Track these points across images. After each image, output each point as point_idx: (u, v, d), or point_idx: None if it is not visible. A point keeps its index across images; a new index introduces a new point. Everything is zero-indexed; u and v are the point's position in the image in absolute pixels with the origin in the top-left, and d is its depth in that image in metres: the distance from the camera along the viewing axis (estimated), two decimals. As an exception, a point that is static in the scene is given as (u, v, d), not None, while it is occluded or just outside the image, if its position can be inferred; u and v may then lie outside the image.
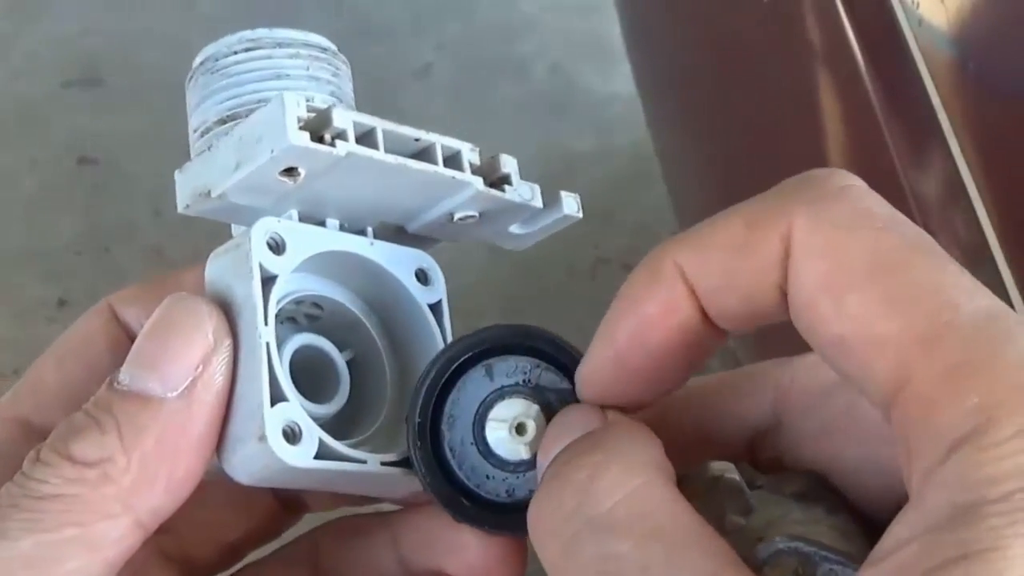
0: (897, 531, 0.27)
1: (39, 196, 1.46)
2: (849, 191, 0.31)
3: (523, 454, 0.35)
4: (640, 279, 0.32)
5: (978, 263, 0.50)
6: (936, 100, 0.52)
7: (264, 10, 1.54)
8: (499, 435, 0.35)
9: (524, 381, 0.36)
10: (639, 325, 0.32)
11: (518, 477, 0.35)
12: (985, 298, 0.29)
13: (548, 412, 0.35)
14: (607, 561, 0.29)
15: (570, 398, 0.35)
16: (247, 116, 0.36)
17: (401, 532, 0.38)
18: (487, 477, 0.35)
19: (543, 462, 0.33)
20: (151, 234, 1.41)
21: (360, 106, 0.39)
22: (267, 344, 0.34)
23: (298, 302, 0.37)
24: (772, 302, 0.31)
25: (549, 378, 0.36)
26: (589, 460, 0.31)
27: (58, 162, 1.48)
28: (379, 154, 0.35)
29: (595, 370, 0.33)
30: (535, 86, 1.54)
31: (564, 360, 0.36)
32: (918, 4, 0.53)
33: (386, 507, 0.39)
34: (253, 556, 0.40)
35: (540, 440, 0.34)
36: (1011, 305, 0.49)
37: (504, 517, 0.35)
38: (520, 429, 0.35)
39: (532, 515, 0.31)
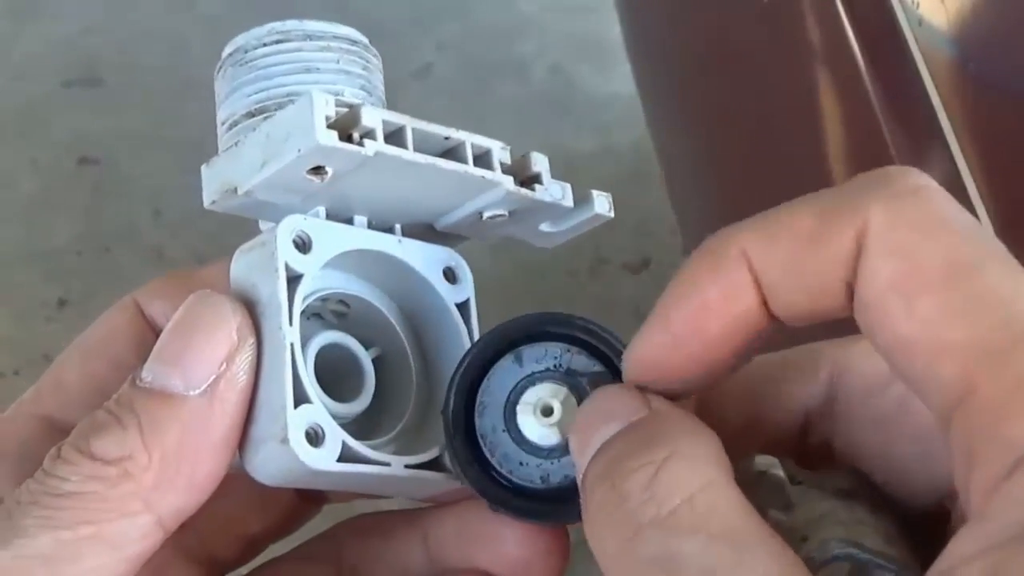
0: (961, 547, 0.26)
1: (39, 196, 1.46)
2: (926, 191, 0.30)
3: (555, 438, 0.35)
4: (703, 263, 0.31)
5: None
6: (936, 100, 0.52)
7: (265, 10, 1.53)
8: (530, 420, 0.35)
9: (555, 366, 0.35)
10: (698, 310, 0.31)
11: (552, 463, 0.35)
12: None
13: (580, 396, 0.35)
14: (671, 562, 0.28)
15: (603, 380, 0.35)
16: (276, 110, 0.36)
17: (431, 529, 0.38)
18: (520, 464, 0.35)
19: (580, 447, 0.32)
20: (151, 234, 1.41)
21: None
22: (291, 345, 0.34)
23: (324, 299, 0.37)
24: (836, 297, 0.30)
25: (581, 362, 0.35)
26: (650, 456, 0.30)
27: (58, 162, 1.48)
28: (408, 153, 0.34)
29: (647, 353, 0.32)
30: (535, 86, 1.54)
31: (597, 344, 0.35)
32: (918, 4, 0.53)
33: (409, 501, 0.39)
34: (273, 552, 0.40)
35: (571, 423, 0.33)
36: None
37: (542, 505, 0.35)
38: (549, 412, 0.35)
39: (589, 511, 0.30)
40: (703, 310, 0.31)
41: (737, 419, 0.35)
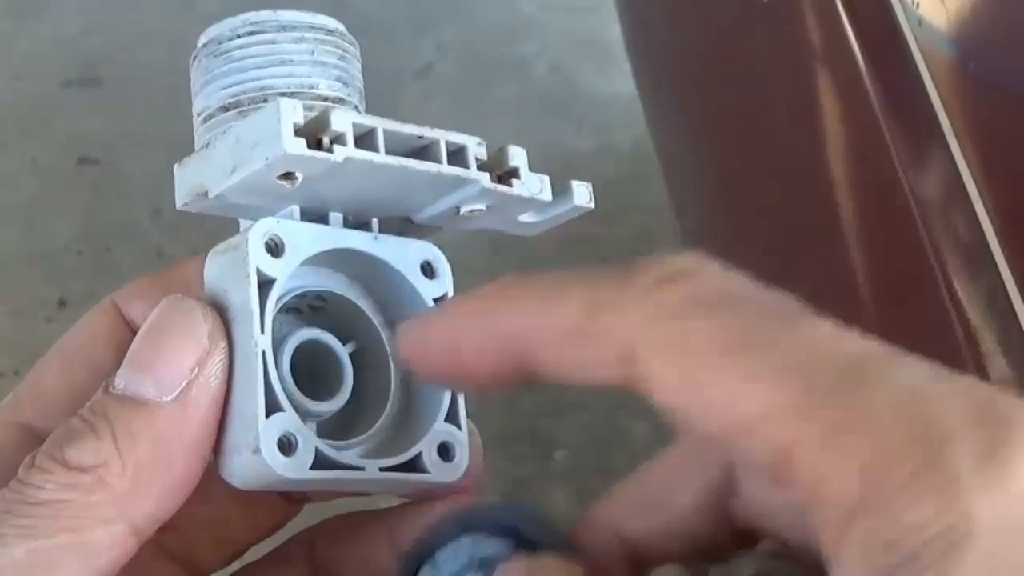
0: None
1: (39, 196, 1.46)
2: (690, 275, 0.29)
3: None
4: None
5: (978, 263, 0.50)
6: (936, 100, 0.52)
7: (262, 9, 1.53)
8: None
9: (468, 561, 0.34)
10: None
11: None
12: (852, 343, 0.27)
13: None
14: None
15: (511, 556, 0.34)
16: (250, 104, 0.36)
17: (397, 528, 0.38)
18: None
19: None
20: (151, 234, 1.41)
21: (361, 106, 0.39)
22: (263, 352, 0.34)
23: (301, 295, 0.37)
24: (614, 375, 0.30)
25: (491, 547, 0.34)
26: None
27: (58, 162, 1.48)
28: (379, 157, 0.34)
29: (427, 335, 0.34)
30: (535, 86, 1.54)
31: (507, 526, 0.34)
32: (918, 4, 0.53)
33: (383, 502, 0.39)
34: (248, 557, 0.40)
35: None
36: (1011, 305, 0.49)
37: None
38: None
39: None
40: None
41: (644, 532, 0.34)
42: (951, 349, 0.52)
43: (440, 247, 0.39)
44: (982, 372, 0.50)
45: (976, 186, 0.50)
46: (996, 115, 0.52)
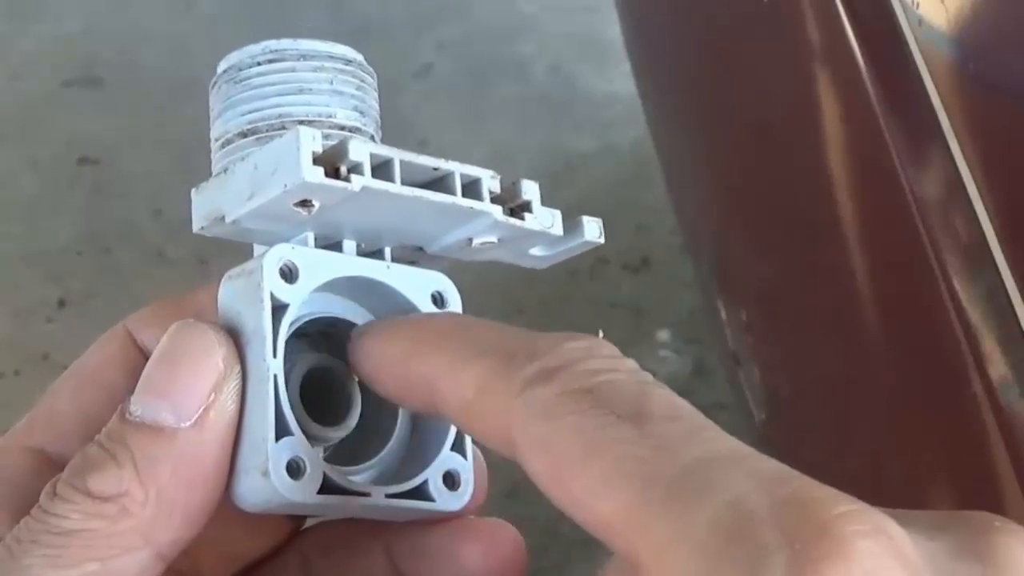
0: None
1: (39, 196, 1.46)
2: (565, 370, 0.30)
3: None
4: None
5: (978, 263, 0.50)
6: (936, 100, 0.52)
7: (264, 10, 1.54)
8: None
9: None
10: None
11: None
12: (694, 447, 0.28)
13: None
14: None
15: None
16: (268, 131, 0.36)
17: (394, 543, 0.38)
18: None
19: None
20: (151, 234, 1.41)
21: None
22: (275, 377, 0.34)
23: (312, 321, 0.37)
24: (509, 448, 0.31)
25: None
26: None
27: (58, 162, 1.48)
28: (395, 187, 0.34)
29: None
30: (535, 86, 1.54)
31: None
32: (918, 4, 0.53)
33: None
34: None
35: None
36: (1011, 305, 0.49)
37: None
38: None
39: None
40: None
41: None
42: (951, 349, 0.52)
43: (449, 268, 0.39)
44: (982, 372, 0.50)
45: (976, 186, 0.50)
46: (996, 115, 0.52)
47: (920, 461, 0.59)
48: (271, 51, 0.38)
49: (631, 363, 0.31)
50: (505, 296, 1.29)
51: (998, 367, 0.50)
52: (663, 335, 1.35)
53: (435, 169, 0.36)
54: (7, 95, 1.54)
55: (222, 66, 0.38)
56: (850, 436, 0.67)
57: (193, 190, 0.37)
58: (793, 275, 0.73)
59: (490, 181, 0.36)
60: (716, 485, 0.26)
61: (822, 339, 0.70)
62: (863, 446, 0.66)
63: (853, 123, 0.61)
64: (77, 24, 1.59)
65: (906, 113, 0.54)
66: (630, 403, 0.29)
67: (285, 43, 0.38)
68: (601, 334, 0.32)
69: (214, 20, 1.55)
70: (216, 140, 0.38)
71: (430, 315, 0.37)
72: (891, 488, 0.61)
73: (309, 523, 0.40)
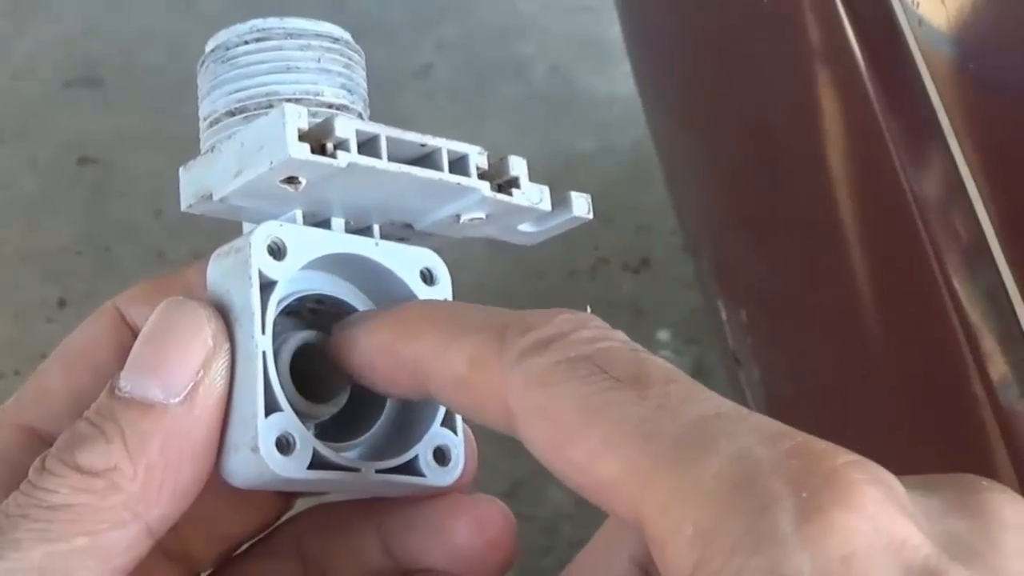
0: None
1: (39, 196, 1.46)
2: (560, 340, 0.30)
3: None
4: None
5: (978, 263, 0.50)
6: (936, 100, 0.52)
7: (264, 10, 1.53)
8: None
9: None
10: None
11: None
12: (696, 405, 0.28)
13: None
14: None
15: None
16: (255, 110, 0.36)
17: (384, 522, 0.38)
18: None
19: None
20: (151, 234, 1.41)
21: (363, 106, 0.39)
22: (263, 353, 0.34)
23: (301, 298, 0.37)
24: (503, 419, 0.31)
25: None
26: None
27: (58, 162, 1.48)
28: (381, 163, 0.35)
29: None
30: (535, 86, 1.54)
31: None
32: (918, 4, 0.53)
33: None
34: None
35: None
36: (1011, 305, 0.49)
37: None
38: None
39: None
40: None
41: None
42: (951, 349, 0.52)
43: (439, 246, 0.39)
44: (982, 372, 0.50)
45: (976, 186, 0.50)
46: (996, 115, 0.52)
47: (920, 461, 0.59)
48: (258, 30, 0.38)
49: (621, 334, 0.31)
50: (505, 296, 1.29)
51: (998, 367, 0.50)
52: (663, 335, 1.35)
53: (422, 145, 0.36)
54: (7, 95, 1.54)
55: (210, 45, 0.38)
56: (850, 436, 0.67)
57: (181, 168, 0.37)
58: (793, 275, 0.73)
59: (477, 157, 0.37)
60: (721, 439, 0.27)
61: (822, 339, 0.70)
62: (863, 446, 0.66)
63: (853, 123, 0.61)
64: (77, 24, 1.59)
65: (906, 113, 0.54)
66: (628, 368, 0.29)
67: (272, 22, 0.38)
68: (589, 309, 0.33)
69: (214, 20, 1.55)
70: (204, 119, 0.38)
71: (414, 302, 0.37)
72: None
73: (301, 505, 0.40)
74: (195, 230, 1.43)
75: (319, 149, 0.34)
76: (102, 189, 1.46)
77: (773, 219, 0.74)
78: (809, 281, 0.71)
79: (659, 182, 1.10)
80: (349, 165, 0.34)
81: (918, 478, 0.29)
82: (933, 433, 0.58)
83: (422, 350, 0.33)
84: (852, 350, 0.65)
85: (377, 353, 0.35)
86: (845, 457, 0.27)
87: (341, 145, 0.34)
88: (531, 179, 0.37)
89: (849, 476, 0.26)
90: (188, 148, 0.38)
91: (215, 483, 0.35)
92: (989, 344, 0.50)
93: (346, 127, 0.34)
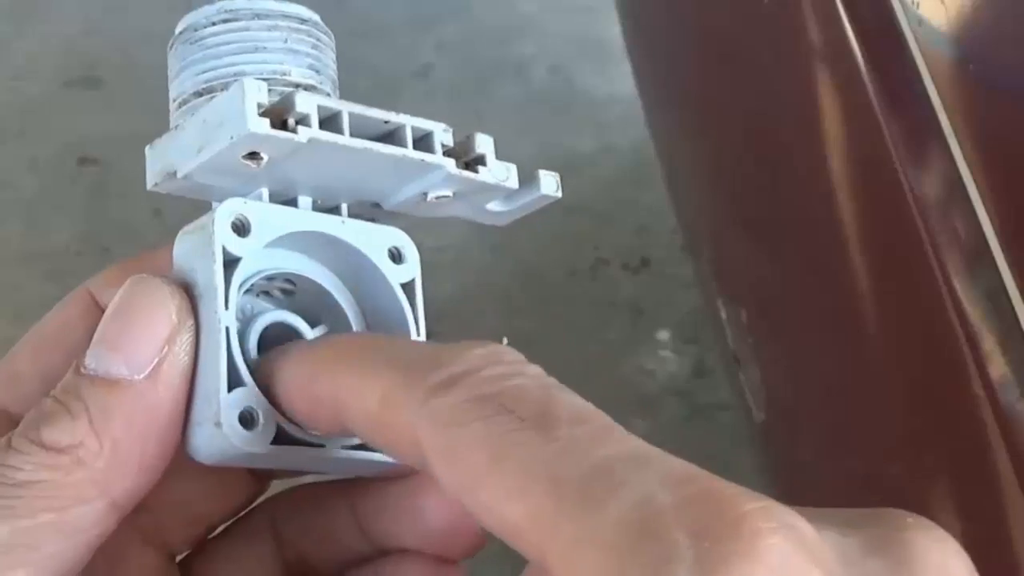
0: None
1: (39, 196, 1.46)
2: (467, 377, 0.29)
3: None
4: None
5: (978, 263, 0.50)
6: (936, 100, 0.52)
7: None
8: None
9: None
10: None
11: None
12: (602, 447, 0.27)
13: None
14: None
15: None
16: (222, 90, 0.37)
17: (358, 502, 0.38)
18: None
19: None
20: (151, 234, 1.41)
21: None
22: (226, 328, 0.34)
23: (271, 278, 0.37)
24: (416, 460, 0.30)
25: None
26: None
27: (58, 162, 1.48)
28: (343, 139, 0.35)
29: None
30: (535, 86, 1.54)
31: None
32: (918, 4, 0.54)
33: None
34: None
35: None
36: (1011, 305, 0.49)
37: None
38: None
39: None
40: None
41: None
42: (951, 349, 0.52)
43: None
44: (982, 372, 0.50)
45: (976, 186, 0.50)
46: (996, 115, 0.52)
47: (920, 461, 0.59)
48: (226, 11, 0.38)
49: (536, 368, 0.30)
50: (505, 296, 1.29)
51: (998, 367, 0.50)
52: (663, 335, 1.35)
53: (386, 122, 0.36)
54: (7, 95, 1.54)
55: (179, 27, 0.39)
56: (850, 436, 0.67)
57: (147, 147, 0.37)
58: (793, 275, 0.73)
59: (442, 134, 0.37)
60: (623, 485, 0.26)
61: (822, 339, 0.70)
62: (863, 446, 0.66)
63: (853, 123, 0.61)
64: (77, 25, 1.59)
65: (906, 113, 0.54)
66: (535, 407, 0.28)
67: (239, 2, 0.38)
68: (505, 341, 0.32)
69: (214, 20, 1.55)
70: (174, 101, 0.38)
71: (336, 336, 0.37)
72: (891, 488, 0.61)
73: (277, 487, 0.40)
74: (195, 230, 1.43)
75: (280, 125, 0.34)
76: (102, 189, 1.46)
77: (773, 219, 0.74)
78: (809, 281, 0.71)
79: (659, 182, 1.10)
80: (310, 140, 0.34)
81: (840, 514, 0.27)
82: (933, 433, 0.58)
83: (338, 386, 0.32)
84: (852, 350, 0.65)
85: (295, 390, 0.34)
86: (751, 504, 0.25)
87: (303, 120, 0.34)
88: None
89: (755, 524, 0.25)
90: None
91: (188, 466, 0.35)
92: (989, 344, 0.50)
93: (307, 102, 0.34)
